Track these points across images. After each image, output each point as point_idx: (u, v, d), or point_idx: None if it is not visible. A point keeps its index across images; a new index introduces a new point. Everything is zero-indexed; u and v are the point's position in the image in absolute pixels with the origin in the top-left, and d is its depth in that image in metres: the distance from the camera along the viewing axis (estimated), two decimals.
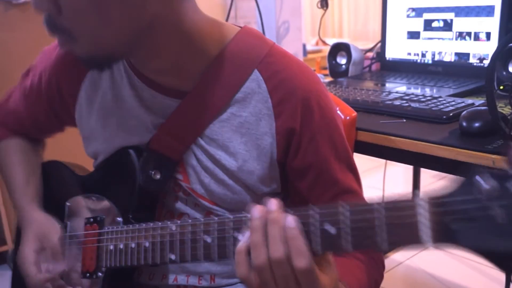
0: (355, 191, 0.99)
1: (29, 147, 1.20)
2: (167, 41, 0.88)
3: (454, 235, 0.57)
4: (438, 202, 0.58)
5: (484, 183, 0.54)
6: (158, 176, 0.97)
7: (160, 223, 0.86)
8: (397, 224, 0.61)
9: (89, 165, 1.14)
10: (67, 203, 1.08)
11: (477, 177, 0.55)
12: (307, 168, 0.96)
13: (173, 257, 0.83)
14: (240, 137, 0.94)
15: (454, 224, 0.57)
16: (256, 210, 0.71)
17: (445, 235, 0.58)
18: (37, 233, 1.02)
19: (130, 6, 0.81)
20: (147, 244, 0.88)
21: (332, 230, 0.67)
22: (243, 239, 0.72)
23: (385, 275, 1.01)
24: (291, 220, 0.68)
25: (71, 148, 1.45)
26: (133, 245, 0.90)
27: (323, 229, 0.67)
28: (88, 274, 0.98)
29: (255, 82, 0.93)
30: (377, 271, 0.99)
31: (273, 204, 0.70)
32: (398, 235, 0.61)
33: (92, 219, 1.01)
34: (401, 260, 2.61)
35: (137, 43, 0.86)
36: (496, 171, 0.54)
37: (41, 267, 1.00)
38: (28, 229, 1.03)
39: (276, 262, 0.68)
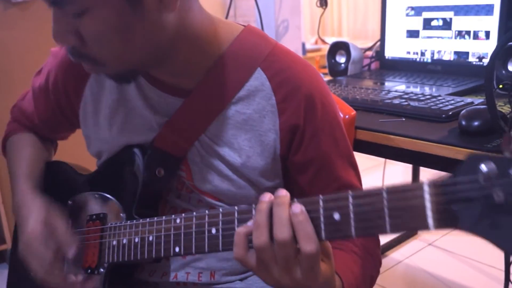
0: (355, 187, 1.00)
1: (38, 143, 1.21)
2: (178, 45, 0.89)
3: (455, 216, 0.59)
4: (439, 184, 0.60)
5: (483, 166, 0.56)
6: (162, 174, 0.98)
7: (164, 217, 0.87)
8: (399, 207, 0.63)
9: (91, 167, 1.14)
10: (69, 201, 1.09)
11: (476, 161, 0.57)
12: (308, 163, 0.97)
13: (177, 249, 0.84)
14: (244, 134, 0.95)
15: (454, 205, 0.59)
16: (265, 195, 0.73)
17: (446, 216, 0.60)
18: (43, 216, 1.01)
19: (151, 26, 0.83)
20: (151, 238, 0.88)
21: (336, 215, 0.68)
22: (247, 224, 0.74)
23: (384, 273, 1.02)
24: (298, 206, 0.70)
25: (73, 149, 1.45)
26: (136, 240, 0.91)
27: (327, 215, 0.69)
28: (89, 270, 0.98)
29: (259, 80, 0.94)
30: (373, 267, 1.00)
31: (282, 190, 0.73)
32: (400, 217, 0.63)
33: (94, 216, 1.01)
34: (400, 259, 2.61)
35: (160, 52, 0.89)
36: (494, 156, 0.57)
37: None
38: (31, 213, 1.02)
39: (280, 243, 0.70)
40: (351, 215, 0.67)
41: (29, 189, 1.09)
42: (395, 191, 0.64)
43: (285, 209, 0.70)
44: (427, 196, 0.61)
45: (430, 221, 0.60)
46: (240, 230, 0.74)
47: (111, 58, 0.85)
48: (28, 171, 1.13)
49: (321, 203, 0.70)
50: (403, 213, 0.63)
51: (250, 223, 0.74)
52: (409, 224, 0.63)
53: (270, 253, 0.71)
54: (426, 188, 0.61)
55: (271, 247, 0.71)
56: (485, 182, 0.56)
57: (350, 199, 0.67)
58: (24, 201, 1.06)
